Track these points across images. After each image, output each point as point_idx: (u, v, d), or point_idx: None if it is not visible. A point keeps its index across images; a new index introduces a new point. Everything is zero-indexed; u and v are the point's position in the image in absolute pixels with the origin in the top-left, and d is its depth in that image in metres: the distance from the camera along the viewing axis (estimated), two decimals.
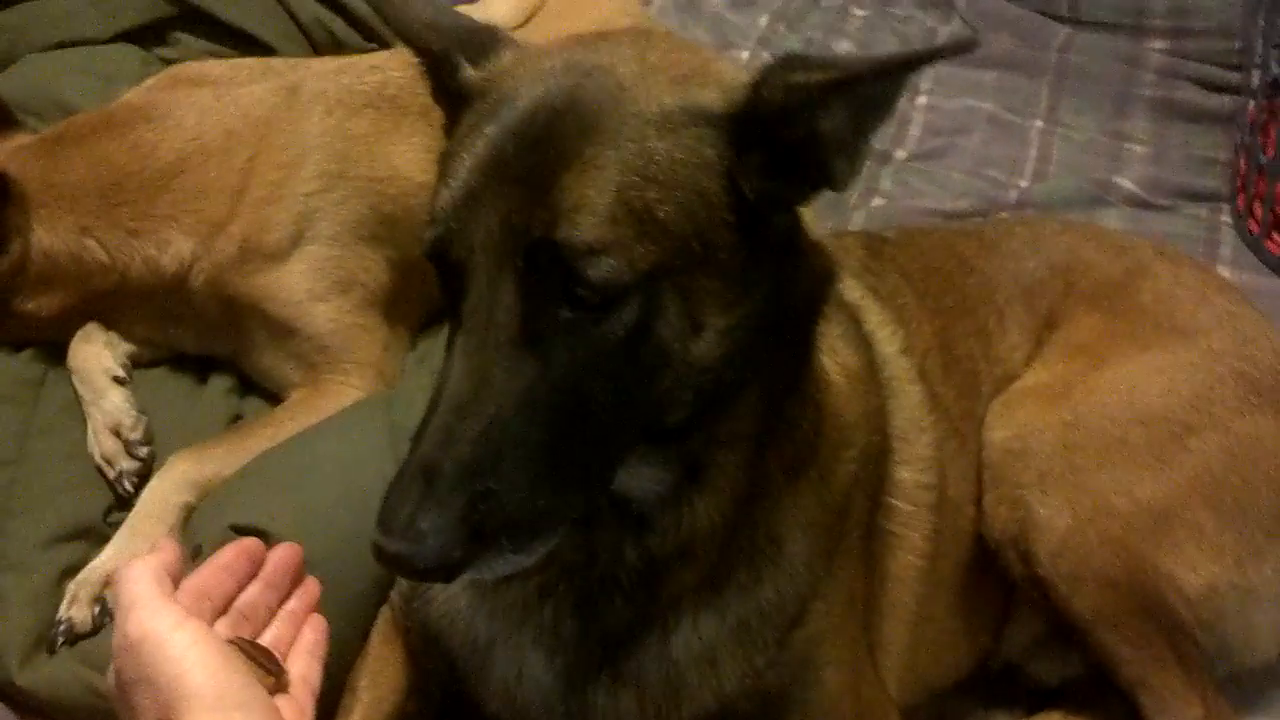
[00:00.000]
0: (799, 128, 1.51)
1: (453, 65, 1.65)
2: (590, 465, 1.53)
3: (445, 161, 1.57)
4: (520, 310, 1.45)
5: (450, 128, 1.67)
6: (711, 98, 1.53)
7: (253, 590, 1.76)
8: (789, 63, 1.51)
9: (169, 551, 1.69)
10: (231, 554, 1.78)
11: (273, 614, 1.78)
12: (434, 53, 1.68)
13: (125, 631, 1.56)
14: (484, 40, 1.69)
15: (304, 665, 1.75)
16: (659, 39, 1.66)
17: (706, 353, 1.53)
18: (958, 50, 1.52)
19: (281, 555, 1.83)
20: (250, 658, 1.62)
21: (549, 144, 1.47)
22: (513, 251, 1.45)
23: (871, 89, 1.49)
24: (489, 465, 1.42)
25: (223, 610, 1.71)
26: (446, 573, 1.44)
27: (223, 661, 1.54)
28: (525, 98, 1.52)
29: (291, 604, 1.81)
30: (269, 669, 1.66)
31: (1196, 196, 3.74)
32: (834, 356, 1.95)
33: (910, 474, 2.14)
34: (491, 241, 1.46)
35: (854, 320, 2.11)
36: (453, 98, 1.66)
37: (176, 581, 1.65)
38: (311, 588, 1.86)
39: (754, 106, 1.51)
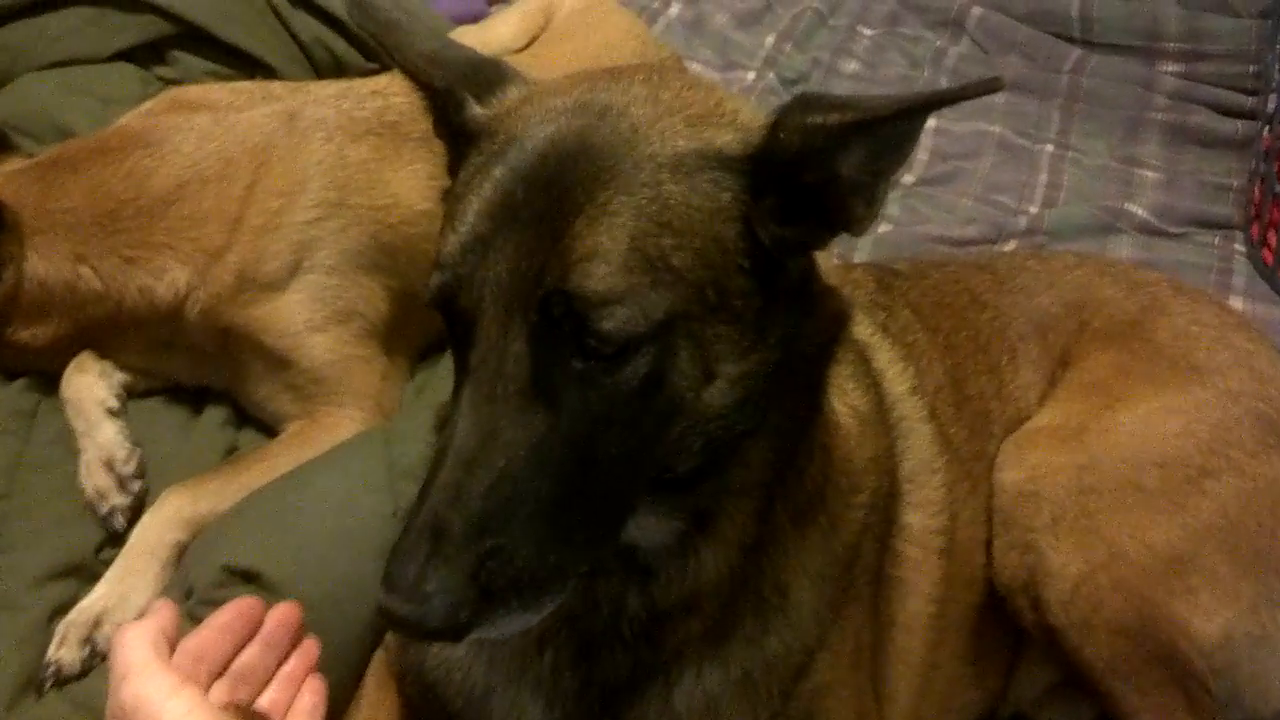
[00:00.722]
0: (817, 170, 1.48)
1: (457, 101, 1.62)
2: (600, 518, 1.50)
3: (451, 204, 1.53)
4: (531, 361, 1.42)
5: (453, 165, 1.65)
6: (727, 140, 1.50)
7: (250, 652, 1.74)
8: (806, 103, 1.48)
9: (165, 614, 1.66)
10: (229, 615, 1.75)
11: (270, 675, 1.76)
12: (437, 88, 1.65)
13: (120, 699, 1.54)
14: (489, 75, 1.66)
15: None
16: (671, 76, 1.62)
17: (718, 400, 1.50)
18: (981, 91, 1.47)
19: (280, 615, 1.81)
20: None
21: (560, 188, 1.44)
22: (523, 301, 1.41)
23: (891, 129, 1.47)
24: (498, 521, 1.39)
25: (220, 672, 1.69)
26: (455, 633, 1.40)
27: None
28: (535, 139, 1.49)
29: (290, 665, 1.79)
30: None
31: (1209, 224, 3.69)
32: (843, 398, 1.93)
33: (920, 518, 2.11)
34: (501, 290, 1.42)
35: (863, 359, 2.08)
36: (457, 134, 1.63)
37: (173, 644, 1.63)
38: (310, 648, 1.83)
39: (771, 149, 1.48)
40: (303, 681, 1.80)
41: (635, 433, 1.46)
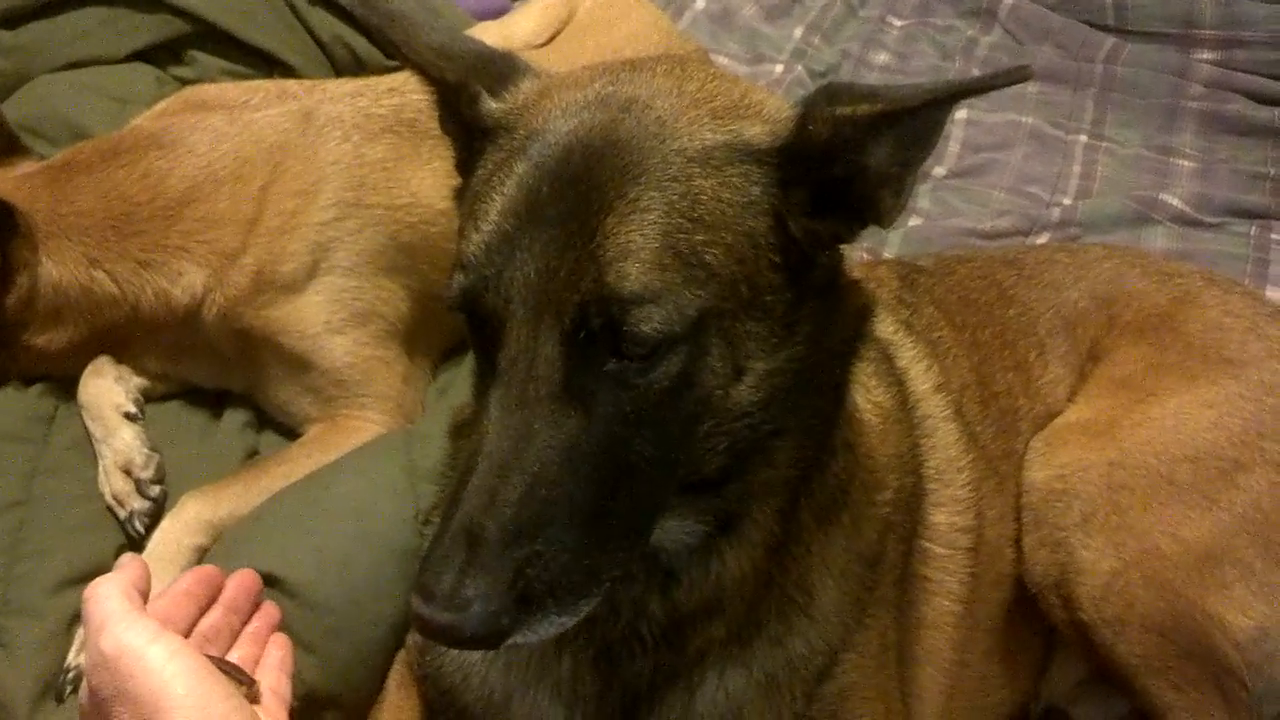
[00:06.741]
0: (846, 162, 1.47)
1: (470, 95, 1.59)
2: (632, 520, 1.48)
3: (470, 203, 1.51)
4: (563, 363, 1.40)
5: (463, 162, 1.62)
6: (756, 132, 1.48)
7: (214, 615, 1.80)
8: (833, 94, 1.47)
9: (135, 569, 1.67)
10: (191, 580, 1.82)
11: (235, 636, 1.82)
12: (448, 82, 1.62)
13: (100, 649, 1.53)
14: (502, 68, 1.64)
15: (274, 679, 1.77)
16: (694, 68, 1.60)
17: (746, 398, 1.49)
18: (1010, 80, 1.46)
19: (239, 580, 1.88)
20: (223, 671, 1.61)
21: (588, 185, 1.41)
22: (554, 301, 1.39)
23: (919, 119, 1.46)
24: (533, 526, 1.38)
25: (185, 635, 1.71)
26: (493, 640, 1.39)
27: (204, 672, 1.52)
28: (558, 133, 1.47)
29: (253, 625, 1.86)
30: (241, 680, 1.66)
31: (1245, 213, 3.62)
32: (867, 394, 1.91)
33: (946, 516, 2.08)
34: (530, 290, 1.40)
35: (886, 356, 2.07)
36: (469, 130, 1.60)
37: (145, 597, 1.64)
38: (271, 610, 1.91)
39: (800, 141, 1.46)
40: (267, 638, 1.84)
41: (664, 433, 1.45)
